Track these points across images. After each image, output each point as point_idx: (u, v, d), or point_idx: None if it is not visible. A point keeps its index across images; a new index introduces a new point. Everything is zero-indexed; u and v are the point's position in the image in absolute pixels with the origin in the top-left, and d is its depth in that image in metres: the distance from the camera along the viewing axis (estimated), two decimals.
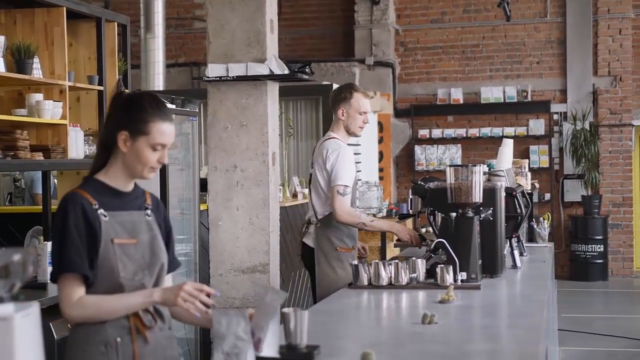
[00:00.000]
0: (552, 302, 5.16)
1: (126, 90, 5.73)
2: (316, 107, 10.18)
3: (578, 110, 11.91)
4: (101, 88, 5.73)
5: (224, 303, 4.71)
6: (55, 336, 4.12)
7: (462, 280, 4.02)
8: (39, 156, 5.13)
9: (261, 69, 4.67)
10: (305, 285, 7.45)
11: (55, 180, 6.48)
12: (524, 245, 5.28)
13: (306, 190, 6.84)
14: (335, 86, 8.16)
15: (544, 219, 6.45)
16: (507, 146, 5.72)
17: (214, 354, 2.41)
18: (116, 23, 6.03)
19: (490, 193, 4.32)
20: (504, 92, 12.17)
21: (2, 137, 4.99)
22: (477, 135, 12.19)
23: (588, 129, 11.85)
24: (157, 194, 2.97)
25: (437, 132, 12.30)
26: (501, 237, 4.40)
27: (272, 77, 4.70)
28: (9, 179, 8.07)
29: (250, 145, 4.76)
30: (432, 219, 4.56)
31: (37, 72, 5.19)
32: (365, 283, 4.02)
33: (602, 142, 11.99)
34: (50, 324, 4.10)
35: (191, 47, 12.98)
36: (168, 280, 2.87)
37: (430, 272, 4.06)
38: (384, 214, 9.11)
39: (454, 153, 12.29)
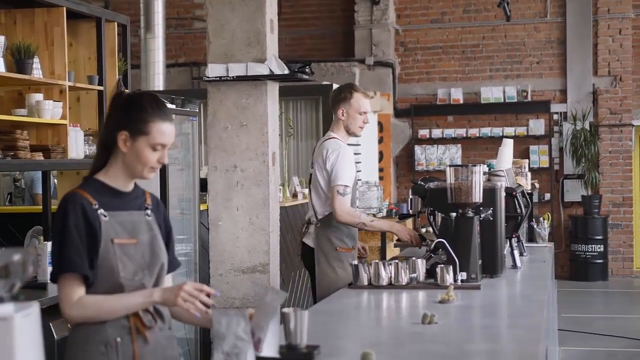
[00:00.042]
0: (552, 302, 5.16)
1: (126, 91, 5.73)
2: (316, 107, 10.18)
3: (578, 110, 11.91)
4: (101, 88, 5.73)
5: (224, 303, 4.71)
6: (55, 336, 4.12)
7: (462, 280, 4.02)
8: (39, 156, 5.13)
9: (261, 69, 4.67)
10: (305, 285, 7.45)
11: (55, 180, 6.48)
12: (524, 245, 5.28)
13: (306, 190, 6.84)
14: (335, 86, 8.16)
15: (544, 219, 6.45)
16: (507, 146, 5.73)
17: (214, 354, 2.40)
18: (116, 23, 6.03)
19: (490, 193, 4.32)
20: (504, 92, 12.17)
21: (2, 137, 4.99)
22: (477, 135, 12.20)
23: (588, 129, 11.85)
24: (157, 194, 2.97)
25: (437, 132, 12.30)
26: (501, 237, 4.40)
27: (272, 77, 4.70)
28: (9, 179, 8.07)
29: (250, 145, 4.76)
30: (432, 219, 4.56)
31: (37, 72, 5.19)
32: (365, 283, 4.02)
33: (602, 142, 11.99)
34: (50, 324, 4.11)
35: (191, 47, 12.98)
36: (168, 281, 2.87)
37: (430, 272, 4.06)
38: (384, 214, 9.11)
39: (454, 153, 12.29)
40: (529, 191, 6.24)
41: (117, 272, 2.65)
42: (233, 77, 4.70)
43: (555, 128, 12.17)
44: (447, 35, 12.47)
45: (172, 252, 2.88)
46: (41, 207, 5.81)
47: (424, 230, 6.20)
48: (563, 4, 12.13)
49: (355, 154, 5.83)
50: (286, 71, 4.68)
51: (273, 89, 4.85)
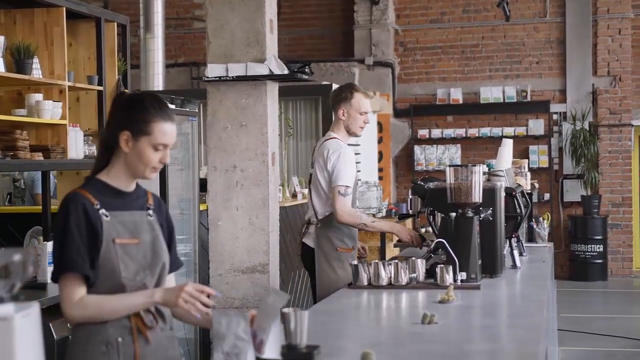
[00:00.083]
0: (551, 302, 5.16)
1: (126, 91, 5.73)
2: (316, 107, 10.18)
3: (577, 110, 11.91)
4: (101, 88, 5.73)
5: (223, 303, 4.71)
6: (55, 336, 4.12)
7: (461, 280, 4.02)
8: (39, 156, 5.12)
9: (261, 69, 4.67)
10: (305, 285, 7.44)
11: (56, 180, 6.48)
12: (524, 245, 5.28)
13: (305, 191, 6.83)
14: (334, 86, 8.16)
15: (543, 219, 6.45)
16: (507, 146, 5.73)
17: (214, 354, 2.40)
18: (116, 23, 6.03)
19: (490, 193, 4.32)
20: (503, 92, 12.17)
21: (2, 137, 4.99)
22: (477, 135, 12.20)
23: (587, 129, 11.85)
24: (157, 194, 2.97)
25: (436, 132, 12.30)
26: (501, 237, 4.40)
27: (271, 77, 4.70)
28: (8, 179, 8.07)
29: (250, 145, 4.76)
30: (431, 219, 4.56)
31: (36, 72, 5.19)
32: (365, 283, 4.02)
33: (601, 142, 11.99)
34: (50, 324, 4.10)
35: (191, 47, 12.98)
36: (171, 280, 2.87)
37: (430, 272, 4.07)
38: (384, 214, 9.11)
39: (454, 153, 12.29)
40: (529, 191, 6.25)
41: (119, 272, 2.65)
42: (233, 77, 4.70)
43: (555, 128, 12.18)
44: (446, 35, 12.47)
45: (174, 252, 2.88)
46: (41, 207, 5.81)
47: (423, 230, 6.20)
48: (562, 4, 12.13)
49: (354, 154, 5.82)
50: (286, 71, 4.68)
51: (273, 89, 4.85)
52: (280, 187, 7.12)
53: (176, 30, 12.94)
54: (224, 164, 4.79)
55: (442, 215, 4.35)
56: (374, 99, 10.73)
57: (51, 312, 3.95)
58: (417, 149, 12.37)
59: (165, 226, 2.84)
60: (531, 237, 6.14)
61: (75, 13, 5.57)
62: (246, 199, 4.76)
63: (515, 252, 4.79)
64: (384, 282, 3.99)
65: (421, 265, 4.08)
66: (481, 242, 4.18)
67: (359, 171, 5.15)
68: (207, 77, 4.74)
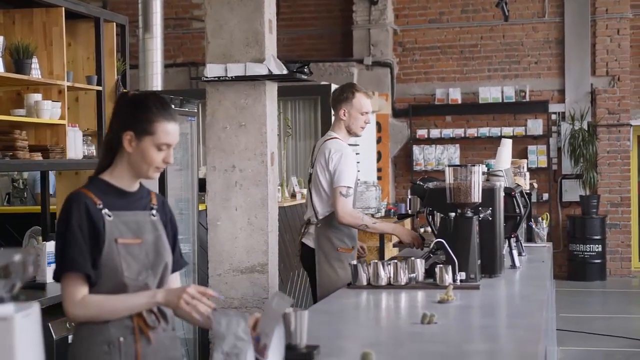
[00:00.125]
0: (550, 302, 5.16)
1: (125, 90, 5.73)
2: (314, 107, 10.18)
3: (576, 110, 11.92)
4: (100, 88, 5.72)
5: (222, 303, 4.71)
6: (54, 336, 4.12)
7: (461, 280, 4.02)
8: (38, 156, 5.12)
9: (260, 69, 4.67)
10: (304, 285, 7.44)
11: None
12: (523, 245, 5.28)
13: (305, 191, 6.83)
14: (333, 86, 8.16)
15: (542, 219, 6.46)
16: (506, 146, 5.73)
17: (214, 354, 2.40)
18: (115, 23, 6.03)
19: (489, 193, 4.32)
20: (502, 92, 12.17)
21: (1, 137, 4.99)
22: (475, 135, 12.20)
23: (586, 129, 11.85)
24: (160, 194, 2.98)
25: (435, 132, 12.31)
26: (500, 237, 4.40)
27: (270, 77, 4.70)
28: (7, 179, 8.07)
29: (249, 145, 4.76)
30: (431, 219, 4.56)
31: (35, 72, 5.19)
32: (365, 283, 4.02)
33: (600, 142, 11.99)
34: (49, 324, 4.10)
35: (189, 47, 12.98)
36: (176, 280, 2.88)
37: (430, 272, 4.07)
38: (383, 214, 9.12)
39: (452, 153, 12.29)
40: (528, 191, 6.25)
41: (121, 272, 2.65)
42: (232, 77, 4.70)
43: (554, 128, 12.18)
44: (445, 35, 12.47)
45: (178, 252, 2.89)
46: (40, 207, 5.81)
47: (422, 230, 6.20)
48: (561, 4, 12.13)
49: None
50: (285, 71, 4.68)
51: (272, 89, 4.85)
52: (279, 187, 7.12)
53: (175, 30, 12.94)
54: (223, 164, 4.79)
55: (441, 215, 4.35)
56: (373, 99, 10.72)
57: (50, 312, 3.95)
58: (416, 149, 12.37)
59: (169, 226, 2.84)
60: (530, 237, 6.14)
61: (74, 13, 5.56)
62: (245, 199, 4.76)
63: (515, 252, 4.80)
64: (384, 282, 3.99)
65: (420, 265, 4.08)
66: (480, 242, 4.18)
67: (358, 171, 5.14)
68: (206, 77, 4.74)
